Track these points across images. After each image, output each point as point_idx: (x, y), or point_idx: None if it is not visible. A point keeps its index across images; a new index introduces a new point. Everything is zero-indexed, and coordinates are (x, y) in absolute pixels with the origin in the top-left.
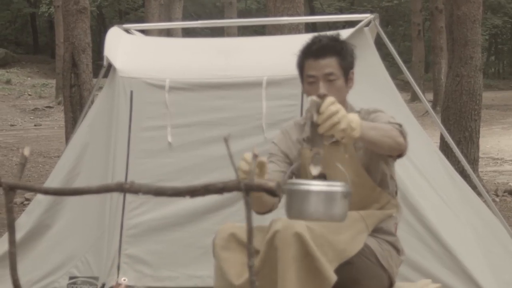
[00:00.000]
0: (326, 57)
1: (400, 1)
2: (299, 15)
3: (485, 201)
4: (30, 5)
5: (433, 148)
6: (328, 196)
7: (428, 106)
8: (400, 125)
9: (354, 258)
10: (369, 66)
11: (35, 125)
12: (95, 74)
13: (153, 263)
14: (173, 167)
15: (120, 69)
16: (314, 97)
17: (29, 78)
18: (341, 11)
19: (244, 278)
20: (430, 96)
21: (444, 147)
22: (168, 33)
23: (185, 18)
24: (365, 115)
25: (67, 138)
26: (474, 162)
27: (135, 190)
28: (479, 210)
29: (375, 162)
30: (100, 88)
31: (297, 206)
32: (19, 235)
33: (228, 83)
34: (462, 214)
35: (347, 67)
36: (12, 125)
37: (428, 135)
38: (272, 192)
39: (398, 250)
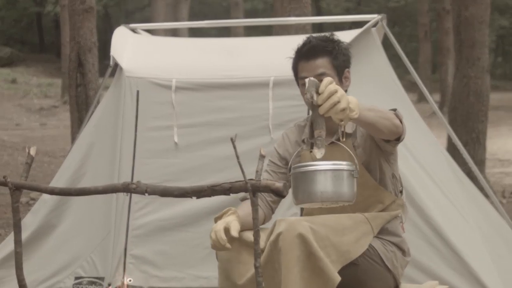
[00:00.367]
0: (317, 58)
1: (407, 1)
2: (306, 15)
3: (492, 203)
4: (36, 4)
5: (440, 149)
6: (335, 175)
7: (436, 107)
8: (396, 109)
9: (359, 259)
10: (376, 66)
11: (40, 125)
12: (101, 74)
13: (159, 264)
14: (179, 167)
15: (126, 68)
16: (311, 78)
17: (34, 77)
18: (347, 11)
19: (246, 278)
20: (437, 97)
21: (451, 148)
22: (174, 33)
23: (191, 18)
24: None
25: (73, 137)
26: (481, 163)
27: (141, 190)
28: (486, 212)
29: (375, 160)
30: (106, 87)
31: (304, 188)
32: (24, 234)
33: (235, 83)
34: (469, 215)
35: (340, 66)
36: (17, 125)
37: (435, 136)
38: (279, 193)
39: (403, 251)
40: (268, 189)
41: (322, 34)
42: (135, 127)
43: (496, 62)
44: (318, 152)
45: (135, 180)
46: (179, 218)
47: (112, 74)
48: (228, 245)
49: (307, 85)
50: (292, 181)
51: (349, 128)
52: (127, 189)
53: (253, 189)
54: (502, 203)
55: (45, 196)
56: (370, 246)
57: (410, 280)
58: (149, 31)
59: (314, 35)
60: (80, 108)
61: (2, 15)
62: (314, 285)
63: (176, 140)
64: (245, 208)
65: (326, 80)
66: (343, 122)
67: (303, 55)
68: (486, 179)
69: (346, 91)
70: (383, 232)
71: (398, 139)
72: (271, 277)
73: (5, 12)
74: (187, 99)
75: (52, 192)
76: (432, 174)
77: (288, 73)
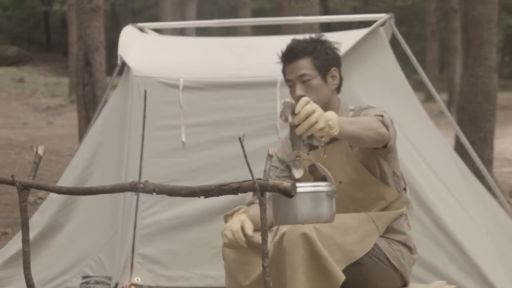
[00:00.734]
0: (298, 60)
1: (414, 1)
2: (313, 14)
3: (499, 202)
4: (43, 4)
5: (447, 149)
6: (313, 197)
7: (444, 106)
8: (382, 116)
9: (364, 259)
10: (384, 66)
11: (47, 124)
12: (108, 73)
13: (166, 263)
14: (186, 167)
15: (134, 68)
16: (287, 99)
17: (41, 76)
18: (355, 10)
19: (252, 279)
20: (444, 96)
21: (459, 148)
22: (181, 32)
23: (198, 17)
24: (358, 112)
25: (81, 137)
26: (488, 163)
27: (149, 189)
28: (493, 211)
29: (372, 158)
30: (114, 87)
31: (282, 210)
32: (32, 234)
33: (242, 82)
34: (476, 215)
35: (323, 66)
36: (24, 124)
37: (442, 135)
38: (287, 193)
39: (410, 248)
40: (276, 189)
41: (308, 35)
42: (143, 127)
43: (503, 62)
44: (297, 173)
45: (142, 180)
46: (186, 218)
47: (120, 73)
48: (245, 245)
49: (282, 106)
50: (272, 201)
51: None
52: (135, 188)
53: (261, 189)
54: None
55: (53, 195)
56: (376, 245)
57: (417, 279)
58: (157, 30)
59: (299, 36)
60: (88, 107)
61: (9, 14)
62: (319, 284)
63: (183, 139)
64: (254, 210)
65: (303, 100)
66: (323, 139)
67: (285, 58)
68: (494, 178)
69: (339, 89)
70: (388, 231)
71: (386, 146)
72: (276, 278)
73: (12, 11)
74: (194, 99)
75: (60, 191)
76: (440, 173)
77: None
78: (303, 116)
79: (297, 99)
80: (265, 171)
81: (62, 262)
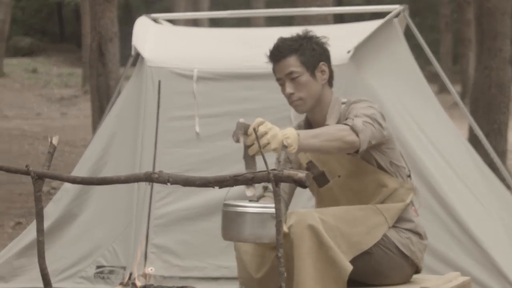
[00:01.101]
0: (284, 58)
1: None
2: (327, 5)
3: None
4: None
5: (461, 140)
6: (257, 218)
7: (458, 98)
8: (353, 123)
9: (373, 249)
10: (398, 57)
11: (61, 114)
12: (122, 64)
13: (180, 253)
14: (200, 157)
15: (148, 58)
16: (241, 119)
17: (55, 67)
18: (368, 1)
19: (263, 271)
20: (458, 88)
21: (473, 139)
22: (194, 23)
23: (212, 8)
24: (348, 106)
25: (94, 127)
26: (502, 154)
27: (163, 180)
28: (507, 203)
29: (366, 151)
30: (127, 77)
31: (225, 225)
32: (46, 224)
33: (256, 73)
34: (490, 206)
35: (310, 61)
36: (38, 114)
37: (456, 127)
38: (301, 183)
39: (419, 234)
40: (291, 179)
41: (296, 33)
42: (157, 117)
43: None
44: (248, 191)
45: (156, 170)
46: (200, 208)
47: (134, 64)
48: None
49: (236, 127)
50: (222, 216)
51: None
52: (149, 178)
53: (276, 179)
54: None
55: (67, 185)
56: (384, 235)
57: (431, 271)
58: (171, 21)
59: (286, 35)
60: (101, 97)
61: (22, 5)
62: (327, 275)
63: (197, 130)
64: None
65: (256, 122)
66: (282, 156)
67: (272, 58)
68: (508, 170)
69: (331, 83)
70: (396, 219)
71: (358, 151)
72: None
73: (25, 2)
74: (208, 89)
75: (74, 181)
76: (454, 164)
77: None
78: (254, 137)
79: (288, 96)
80: (279, 161)
81: (76, 252)
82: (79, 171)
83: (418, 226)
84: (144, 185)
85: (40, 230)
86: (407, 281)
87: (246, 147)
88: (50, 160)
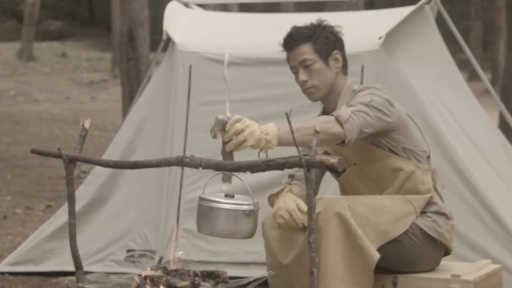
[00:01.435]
0: (298, 46)
1: None
2: None
3: None
4: None
5: (492, 128)
6: (230, 214)
7: (489, 85)
8: (338, 114)
9: (401, 236)
10: (430, 44)
11: (90, 98)
12: (151, 49)
13: (210, 238)
14: None
15: (179, 43)
16: (219, 116)
17: (84, 51)
18: None
19: (291, 257)
20: (488, 76)
21: (503, 127)
22: (224, 8)
23: None
24: (353, 95)
25: (124, 111)
26: None
27: (195, 164)
28: None
29: (376, 139)
30: (158, 62)
31: (198, 219)
32: (77, 207)
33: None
34: None
35: (324, 49)
36: (67, 98)
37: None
38: (333, 168)
39: (445, 215)
40: (323, 165)
41: (309, 22)
42: (187, 102)
43: None
44: (224, 186)
45: (187, 155)
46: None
47: (164, 49)
48: (304, 223)
49: (214, 123)
50: (197, 209)
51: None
52: (181, 162)
53: (307, 165)
54: None
55: (98, 169)
56: (412, 222)
57: (462, 258)
58: (201, 6)
59: (300, 24)
60: (131, 82)
61: None
62: (354, 263)
63: (228, 115)
64: (296, 189)
65: (234, 119)
66: (263, 152)
67: (285, 46)
68: None
69: (345, 71)
70: None
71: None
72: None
73: None
74: (239, 74)
75: (107, 164)
76: (485, 152)
77: None
78: (231, 134)
79: (301, 84)
80: (311, 146)
81: (107, 235)
82: (110, 155)
83: (443, 207)
84: (174, 170)
85: (71, 213)
86: (436, 267)
87: (224, 143)
88: (82, 143)
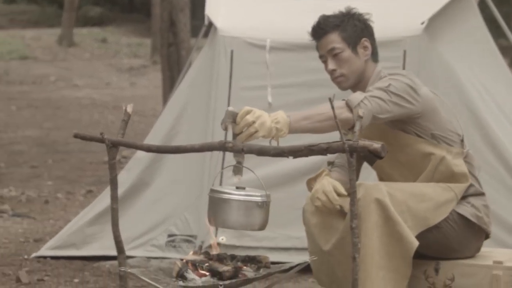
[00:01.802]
0: (326, 35)
1: None
2: None
3: None
4: None
5: None
6: (242, 205)
7: None
8: (348, 99)
9: (442, 223)
10: (472, 29)
11: (130, 84)
12: (192, 34)
13: None
14: None
15: (221, 28)
16: (229, 108)
17: (124, 37)
18: None
19: (332, 243)
20: None
21: None
22: None
23: None
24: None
25: (165, 97)
26: None
27: (237, 149)
28: None
29: (402, 124)
30: (199, 48)
31: (214, 211)
32: (119, 191)
33: None
34: None
35: (352, 37)
36: (107, 84)
37: None
38: (377, 154)
39: (482, 194)
40: (366, 150)
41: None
42: (229, 87)
43: None
44: (235, 178)
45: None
46: (273, 178)
47: (205, 35)
48: (340, 204)
49: (224, 115)
50: (208, 201)
51: None
52: (224, 147)
53: (351, 150)
54: None
55: (139, 154)
56: (452, 209)
57: (501, 243)
58: None
59: (328, 12)
60: (172, 67)
61: None
62: (393, 249)
63: (270, 100)
64: (334, 175)
65: (243, 110)
66: (274, 140)
67: (314, 36)
68: None
69: (375, 58)
70: None
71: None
72: (350, 244)
73: None
74: (281, 59)
75: (149, 149)
76: None
77: (382, 33)
78: (242, 126)
79: (330, 73)
80: (354, 131)
81: (148, 220)
82: (151, 140)
83: (477, 189)
84: (216, 155)
85: (114, 197)
86: (476, 253)
87: (235, 135)
88: (124, 128)
